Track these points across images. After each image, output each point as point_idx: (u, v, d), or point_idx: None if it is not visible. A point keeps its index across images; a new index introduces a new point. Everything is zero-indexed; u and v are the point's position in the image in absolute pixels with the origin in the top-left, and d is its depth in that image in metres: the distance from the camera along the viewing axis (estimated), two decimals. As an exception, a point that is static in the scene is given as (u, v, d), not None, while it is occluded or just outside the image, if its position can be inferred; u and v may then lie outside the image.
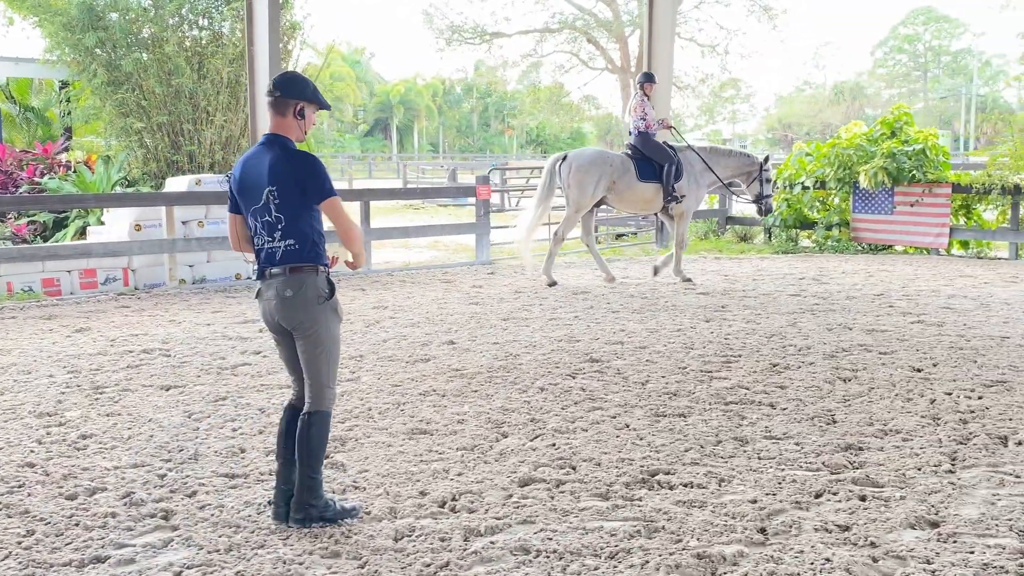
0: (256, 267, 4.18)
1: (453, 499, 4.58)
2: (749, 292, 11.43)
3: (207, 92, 15.14)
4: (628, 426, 5.86)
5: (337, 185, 4.61)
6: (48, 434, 5.67)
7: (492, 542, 4.08)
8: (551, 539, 4.09)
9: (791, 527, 4.25)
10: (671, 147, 12.10)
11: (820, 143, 16.47)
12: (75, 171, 14.92)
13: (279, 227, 4.04)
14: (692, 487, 4.79)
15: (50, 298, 10.64)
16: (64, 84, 17.36)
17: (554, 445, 5.47)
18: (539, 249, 13.31)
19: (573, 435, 5.66)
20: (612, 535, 4.15)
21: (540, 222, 12.56)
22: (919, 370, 7.36)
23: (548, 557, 3.94)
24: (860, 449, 5.40)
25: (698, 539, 4.11)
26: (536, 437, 5.64)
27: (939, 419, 5.99)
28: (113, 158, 15.46)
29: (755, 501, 4.56)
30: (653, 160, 11.91)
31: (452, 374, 7.23)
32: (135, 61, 14.61)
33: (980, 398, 6.53)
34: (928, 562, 3.88)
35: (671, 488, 4.78)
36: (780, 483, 4.83)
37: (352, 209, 14.63)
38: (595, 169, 11.90)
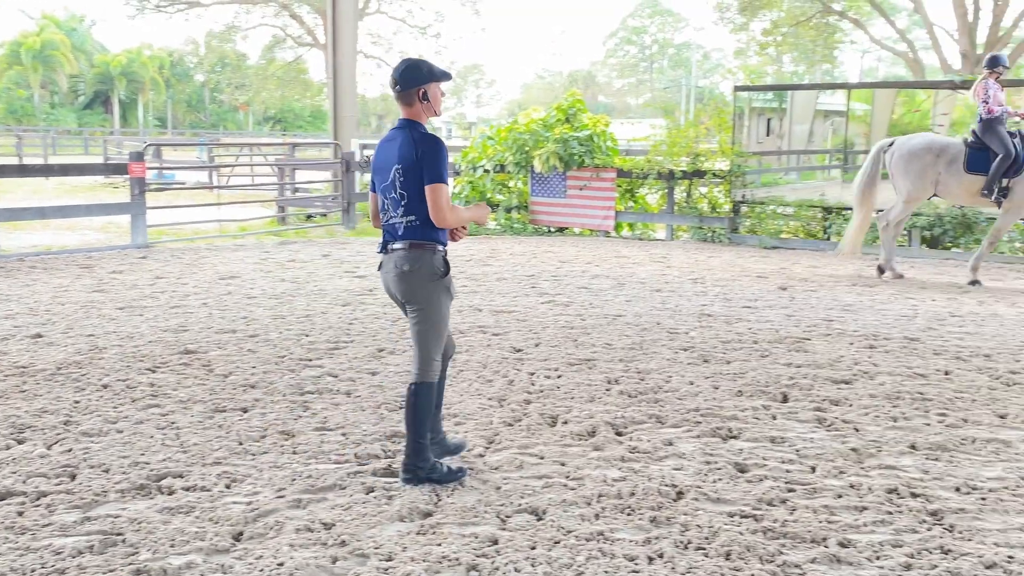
0: (380, 242, 4.42)
1: None
2: (406, 275, 11.29)
3: None
4: (173, 424, 5.43)
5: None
6: None
7: (-100, 573, 3.53)
8: (-24, 564, 3.60)
9: (272, 529, 4.00)
10: (1021, 137, 10.77)
11: (502, 128, 16.71)
12: None
13: (402, 203, 4.26)
14: (195, 490, 4.44)
15: None
16: None
17: (70, 451, 4.95)
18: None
19: (102, 438, 5.16)
20: (57, 553, 3.72)
21: (867, 214, 11.66)
22: (519, 350, 7.42)
23: (-43, 587, 3.45)
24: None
25: (155, 551, 3.76)
26: (56, 443, 5.09)
27: (505, 400, 6.00)
28: None
29: (251, 503, 4.28)
30: (990, 150, 10.78)
31: (11, 372, 6.49)
32: None
33: (559, 376, 6.63)
34: (389, 559, 3.74)
35: (171, 493, 4.41)
36: (295, 479, 4.58)
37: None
38: (918, 160, 11.06)
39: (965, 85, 14.68)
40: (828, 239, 14.32)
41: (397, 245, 4.33)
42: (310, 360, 7.04)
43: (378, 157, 4.44)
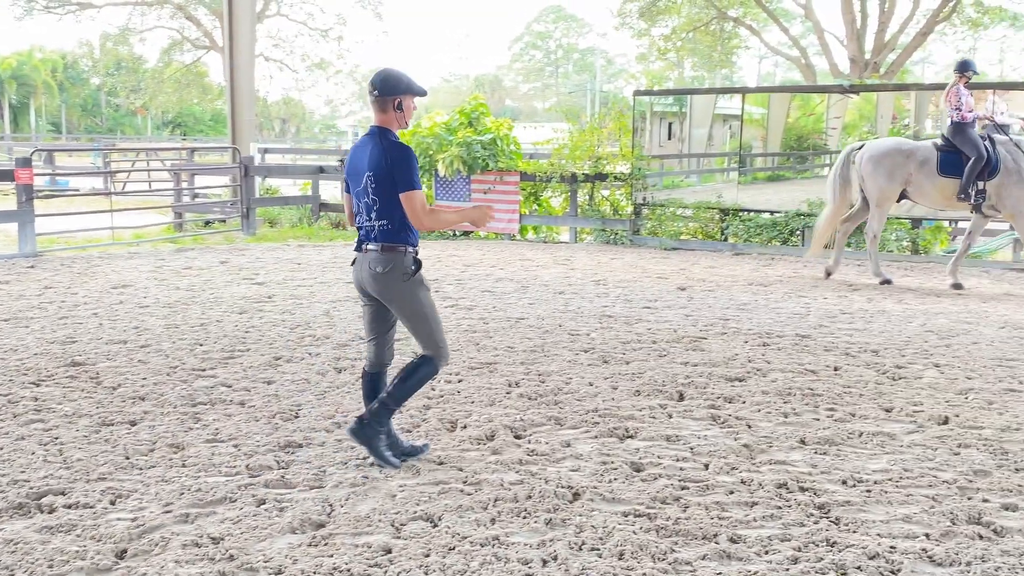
0: (355, 241, 4.72)
1: None
2: (307, 281, 11.13)
3: None
4: (57, 439, 5.22)
5: None
6: None
7: None
8: None
9: (157, 545, 3.87)
10: (991, 141, 10.84)
11: (404, 131, 16.56)
12: None
13: (375, 208, 4.55)
14: (77, 508, 4.27)
15: None
16: None
17: (-57, 470, 4.71)
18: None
19: (-22, 455, 4.93)
20: (-77, 580, 3.53)
21: (838, 216, 11.65)
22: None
23: None
24: (299, 446, 5.18)
25: (31, 573, 3.60)
26: (-72, 462, 4.84)
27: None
28: None
29: (136, 519, 4.13)
30: (961, 153, 10.82)
31: None
32: None
33: (460, 381, 6.61)
34: (279, 572, 3.65)
35: (51, 511, 4.23)
36: (183, 493, 4.44)
37: None
38: (888, 160, 11.04)
39: (854, 89, 15.20)
40: (725, 239, 14.65)
41: (371, 247, 4.62)
42: (203, 370, 6.86)
43: (351, 162, 4.70)
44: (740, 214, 14.75)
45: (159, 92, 41.50)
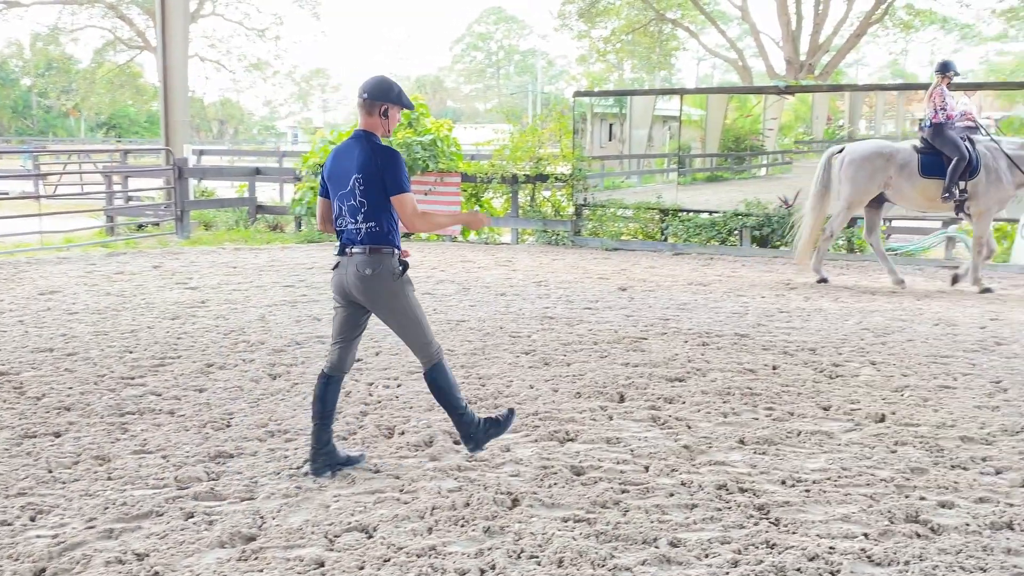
0: (338, 244, 4.64)
1: None
2: (243, 285, 10.90)
3: None
4: (-25, 454, 5.00)
5: None
6: None
7: None
8: None
9: (79, 563, 3.70)
10: (971, 141, 10.81)
11: (343, 132, 16.38)
12: None
13: (362, 211, 4.52)
14: (-7, 526, 4.08)
15: None
16: None
17: None
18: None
19: None
20: None
21: (819, 221, 11.46)
22: (358, 360, 7.22)
23: None
24: (231, 456, 5.02)
25: (-60, 598, 3.42)
26: None
27: (340, 413, 5.78)
28: None
29: (57, 535, 3.96)
30: (942, 154, 10.80)
31: None
32: None
33: (399, 386, 6.50)
34: (206, 589, 3.52)
35: (-35, 530, 4.04)
36: (108, 507, 4.27)
37: None
38: (869, 163, 10.92)
39: (789, 90, 15.38)
40: (665, 240, 14.72)
41: (356, 249, 4.57)
42: (132, 378, 6.65)
43: (334, 165, 4.64)
44: (679, 214, 14.83)
45: (91, 93, 40.57)
